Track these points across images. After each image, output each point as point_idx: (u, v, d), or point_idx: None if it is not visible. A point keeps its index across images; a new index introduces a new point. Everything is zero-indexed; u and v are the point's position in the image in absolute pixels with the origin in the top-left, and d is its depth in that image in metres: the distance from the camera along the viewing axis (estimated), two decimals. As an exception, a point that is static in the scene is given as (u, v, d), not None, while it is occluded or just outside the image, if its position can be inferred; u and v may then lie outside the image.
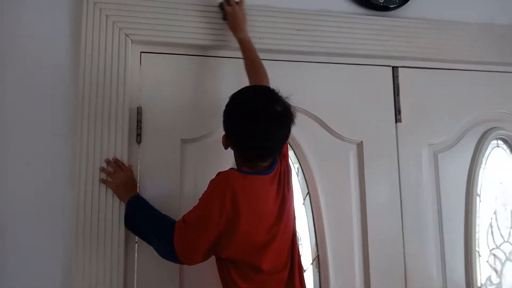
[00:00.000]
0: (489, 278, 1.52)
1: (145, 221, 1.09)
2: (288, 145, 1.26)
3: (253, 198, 0.99)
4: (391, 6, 1.47)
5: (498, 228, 1.55)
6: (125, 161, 1.18)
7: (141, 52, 1.27)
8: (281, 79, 1.17)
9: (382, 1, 1.46)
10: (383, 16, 1.47)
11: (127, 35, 1.23)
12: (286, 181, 1.10)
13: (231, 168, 1.07)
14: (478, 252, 1.49)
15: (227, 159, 1.20)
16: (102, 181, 1.14)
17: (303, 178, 1.38)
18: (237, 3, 1.27)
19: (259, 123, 0.97)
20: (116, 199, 1.15)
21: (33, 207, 1.15)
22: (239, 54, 1.24)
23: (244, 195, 0.97)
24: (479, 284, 1.48)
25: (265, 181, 1.03)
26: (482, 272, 1.50)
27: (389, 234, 1.39)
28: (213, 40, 1.30)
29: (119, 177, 1.15)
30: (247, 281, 1.01)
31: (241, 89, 1.05)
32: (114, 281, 1.13)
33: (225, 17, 1.29)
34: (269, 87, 1.07)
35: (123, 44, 1.23)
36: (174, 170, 1.24)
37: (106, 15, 1.22)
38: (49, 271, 1.14)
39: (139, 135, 1.23)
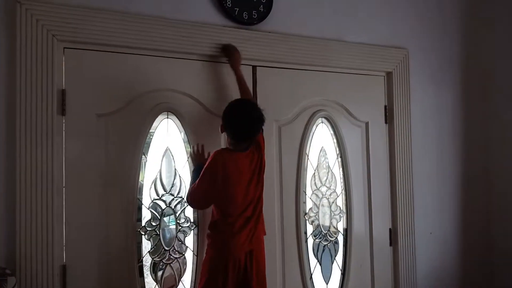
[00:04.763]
0: (311, 209, 2.29)
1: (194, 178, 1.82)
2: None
3: (235, 163, 1.73)
4: (252, 22, 2.07)
5: (319, 176, 2.34)
6: (54, 129, 1.64)
7: (64, 48, 1.70)
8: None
9: (246, 18, 2.06)
10: (246, 29, 2.07)
11: (53, 35, 1.65)
12: (259, 162, 1.83)
13: (221, 148, 1.82)
14: (305, 191, 2.25)
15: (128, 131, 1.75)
16: (191, 156, 1.90)
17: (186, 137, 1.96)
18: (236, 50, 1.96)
19: (242, 121, 1.72)
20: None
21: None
22: (137, 51, 1.81)
23: (229, 161, 1.72)
24: (305, 212, 2.25)
25: (242, 155, 1.77)
26: (307, 204, 2.27)
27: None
28: (117, 40, 1.77)
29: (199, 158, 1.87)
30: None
31: (236, 99, 1.81)
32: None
33: (227, 55, 1.95)
34: (251, 101, 1.87)
35: (50, 41, 1.65)
36: (91, 136, 1.74)
37: (36, 19, 1.62)
38: None
39: (64, 110, 1.69)
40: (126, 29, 1.78)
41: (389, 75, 2.53)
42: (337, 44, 2.32)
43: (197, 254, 1.94)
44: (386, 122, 2.53)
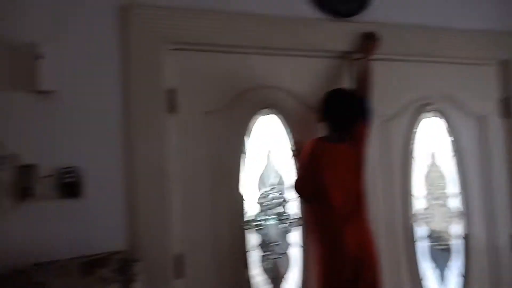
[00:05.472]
0: (421, 211, 2.11)
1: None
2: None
3: (330, 153, 1.71)
4: (350, 13, 2.00)
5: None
6: (166, 126, 1.73)
7: (172, 49, 1.77)
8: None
9: (343, 9, 1.98)
10: (344, 21, 1.99)
11: (161, 37, 1.74)
12: (357, 155, 1.77)
13: (318, 137, 1.77)
14: (413, 193, 2.08)
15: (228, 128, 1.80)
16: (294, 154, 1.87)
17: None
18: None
19: (338, 110, 1.74)
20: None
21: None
22: (241, 49, 1.84)
23: (324, 150, 1.71)
24: (414, 214, 2.07)
25: (338, 146, 1.73)
26: (416, 206, 2.10)
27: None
28: (221, 40, 1.82)
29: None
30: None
31: (335, 89, 1.80)
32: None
33: (367, 42, 1.93)
34: (349, 90, 1.82)
35: (159, 44, 1.75)
36: (200, 133, 1.80)
37: (145, 23, 1.71)
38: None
39: (175, 108, 1.77)
40: (230, 28, 1.82)
41: (504, 63, 2.27)
42: (443, 31, 2.14)
43: (304, 249, 1.90)
44: (504, 117, 2.27)
